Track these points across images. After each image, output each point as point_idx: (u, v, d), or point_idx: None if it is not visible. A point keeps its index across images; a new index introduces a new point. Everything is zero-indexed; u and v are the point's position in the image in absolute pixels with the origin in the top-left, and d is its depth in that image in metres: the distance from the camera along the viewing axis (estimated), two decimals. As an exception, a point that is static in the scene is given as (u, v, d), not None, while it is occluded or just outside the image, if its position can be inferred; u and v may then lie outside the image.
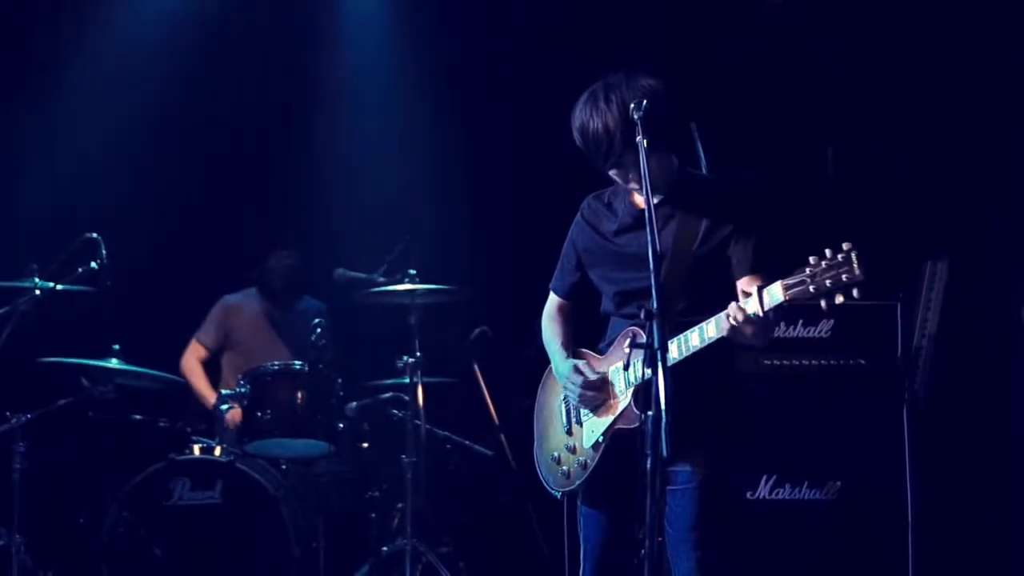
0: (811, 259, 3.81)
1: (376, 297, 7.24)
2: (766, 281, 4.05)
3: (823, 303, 3.80)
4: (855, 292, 3.74)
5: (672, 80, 4.31)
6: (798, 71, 7.52)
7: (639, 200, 4.38)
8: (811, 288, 3.79)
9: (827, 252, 3.78)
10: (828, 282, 3.75)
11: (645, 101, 4.11)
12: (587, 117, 4.26)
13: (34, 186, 8.02)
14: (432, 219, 8.19)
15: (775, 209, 4.51)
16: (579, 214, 4.63)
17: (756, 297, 3.94)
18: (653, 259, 3.94)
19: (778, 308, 3.93)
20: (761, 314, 3.93)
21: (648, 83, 4.24)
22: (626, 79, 4.25)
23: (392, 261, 7.28)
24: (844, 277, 3.74)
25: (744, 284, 4.22)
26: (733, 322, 3.99)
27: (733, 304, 4.01)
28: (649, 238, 3.96)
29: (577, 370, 4.44)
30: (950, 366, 6.41)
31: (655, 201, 4.27)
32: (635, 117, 4.09)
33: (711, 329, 4.09)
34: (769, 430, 6.08)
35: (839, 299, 3.76)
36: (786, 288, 3.86)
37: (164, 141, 8.36)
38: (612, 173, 4.33)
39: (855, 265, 3.72)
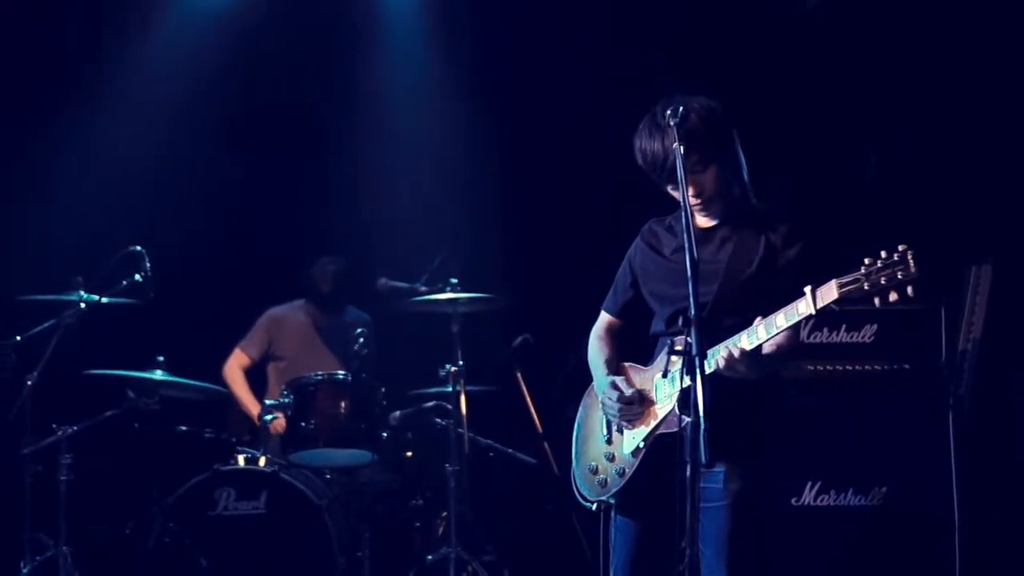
0: (866, 260, 3.84)
1: (418, 306, 7.27)
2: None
3: (877, 301, 3.81)
4: (910, 290, 3.76)
5: (724, 97, 4.40)
6: (839, 74, 7.49)
7: (699, 220, 4.47)
8: (866, 286, 3.81)
9: (882, 253, 3.82)
10: (883, 280, 3.78)
11: (681, 108, 4.21)
12: (646, 137, 4.35)
13: (77, 200, 8.07)
14: (473, 227, 8.19)
15: (824, 228, 4.54)
16: (639, 236, 4.69)
17: (809, 297, 3.95)
18: (691, 266, 3.94)
19: (827, 309, 3.94)
20: (814, 312, 3.95)
21: (705, 103, 4.34)
22: (681, 101, 4.31)
23: (434, 270, 7.29)
24: (900, 275, 3.77)
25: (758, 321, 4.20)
26: (729, 360, 4.06)
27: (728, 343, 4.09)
28: (686, 244, 3.98)
29: (614, 385, 4.46)
30: (995, 370, 6.36)
31: (714, 223, 4.45)
32: (671, 124, 4.18)
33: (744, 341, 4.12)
34: (813, 436, 6.08)
35: (893, 296, 3.79)
36: (840, 286, 3.88)
37: (205, 153, 8.39)
38: (669, 189, 4.39)
39: (911, 264, 3.76)
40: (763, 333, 4.08)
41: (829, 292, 3.92)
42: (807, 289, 3.97)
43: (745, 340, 4.10)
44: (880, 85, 7.45)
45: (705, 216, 4.47)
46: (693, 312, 3.89)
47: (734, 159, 4.45)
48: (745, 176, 4.48)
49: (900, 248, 3.79)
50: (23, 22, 8.09)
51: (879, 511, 6.03)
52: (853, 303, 3.90)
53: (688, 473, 3.81)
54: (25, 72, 8.09)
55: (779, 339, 4.16)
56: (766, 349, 4.16)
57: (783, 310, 4.05)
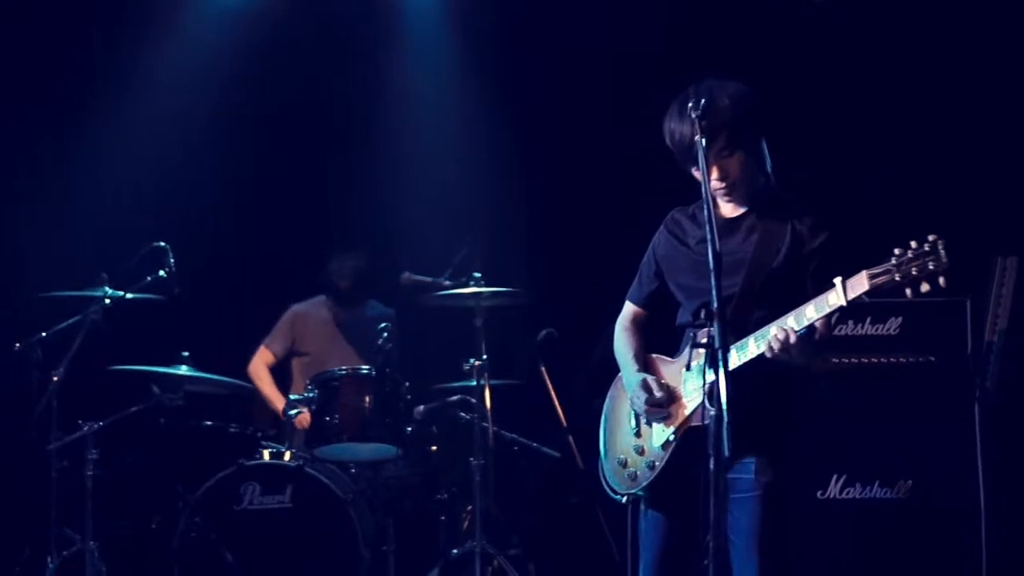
0: (896, 250, 3.83)
1: (442, 300, 7.26)
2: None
3: (909, 292, 3.82)
4: (942, 280, 3.76)
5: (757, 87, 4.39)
6: (854, 67, 7.47)
7: (724, 209, 4.45)
8: (897, 276, 3.81)
9: (912, 243, 3.81)
10: (915, 270, 3.78)
11: (703, 100, 4.17)
12: (676, 119, 4.33)
13: (101, 196, 8.11)
14: (497, 221, 8.19)
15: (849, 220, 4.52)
16: (662, 226, 4.65)
17: (840, 288, 3.94)
18: (713, 259, 3.93)
19: (857, 300, 3.93)
20: (844, 304, 3.94)
21: (736, 88, 4.33)
22: (712, 85, 4.31)
23: (457, 264, 7.29)
24: (931, 265, 3.77)
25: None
26: (779, 340, 4.03)
27: (777, 322, 4.07)
28: (708, 237, 3.96)
29: (645, 386, 4.42)
30: (1022, 362, 6.33)
31: (740, 212, 4.42)
32: (692, 116, 4.15)
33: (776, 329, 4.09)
34: (839, 428, 6.07)
35: (924, 287, 3.79)
36: (871, 277, 3.88)
37: (228, 148, 8.41)
38: (694, 171, 4.35)
39: (942, 253, 3.76)
40: (793, 324, 4.06)
41: (860, 283, 3.91)
42: (837, 280, 3.96)
43: (792, 321, 4.08)
44: (899, 78, 7.43)
45: (730, 203, 4.44)
46: (716, 305, 3.88)
47: (760, 147, 4.43)
48: (769, 166, 4.46)
49: (930, 238, 3.79)
50: (43, 20, 8.11)
51: (905, 504, 6.01)
52: (883, 294, 3.89)
53: (712, 466, 3.80)
54: (47, 70, 8.12)
55: (820, 329, 4.16)
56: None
57: (812, 301, 4.04)
